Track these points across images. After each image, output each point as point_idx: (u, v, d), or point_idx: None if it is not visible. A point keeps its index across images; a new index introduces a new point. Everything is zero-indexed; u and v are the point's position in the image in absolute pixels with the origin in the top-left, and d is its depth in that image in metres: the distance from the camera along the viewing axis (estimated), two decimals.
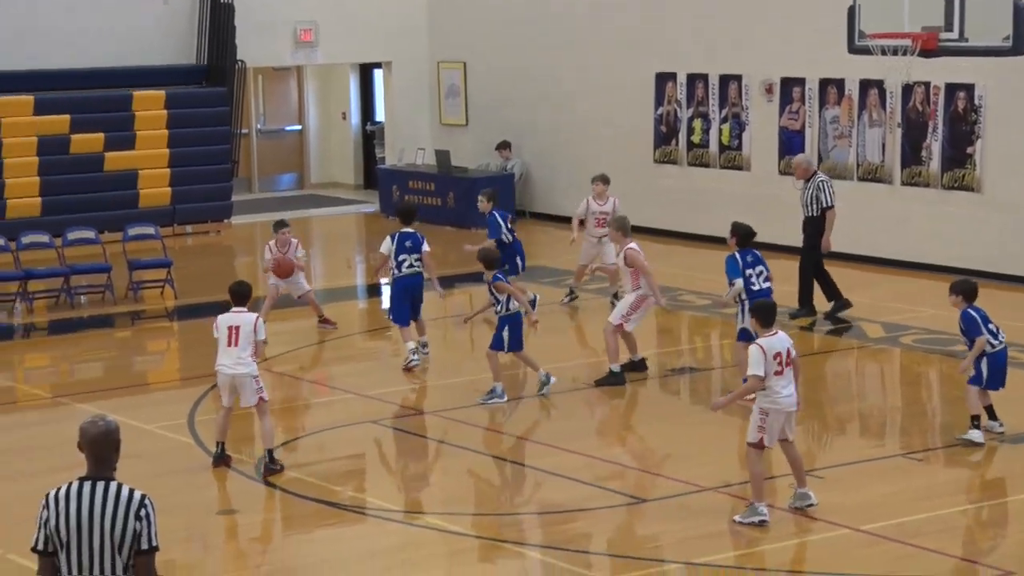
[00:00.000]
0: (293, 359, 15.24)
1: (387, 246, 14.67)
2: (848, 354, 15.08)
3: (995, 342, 11.71)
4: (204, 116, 22.96)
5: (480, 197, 16.71)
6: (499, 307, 13.22)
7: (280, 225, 15.86)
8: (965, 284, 11.95)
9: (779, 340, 10.08)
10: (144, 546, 6.22)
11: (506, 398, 13.14)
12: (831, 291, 16.23)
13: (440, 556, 9.98)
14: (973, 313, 11.75)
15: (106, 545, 6.18)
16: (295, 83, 27.73)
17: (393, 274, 14.70)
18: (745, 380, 12.60)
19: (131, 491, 6.26)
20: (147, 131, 22.45)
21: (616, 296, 16.68)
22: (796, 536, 9.99)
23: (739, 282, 12.90)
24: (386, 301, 17.23)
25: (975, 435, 11.67)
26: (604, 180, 17.10)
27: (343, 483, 11.33)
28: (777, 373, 9.95)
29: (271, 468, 11.32)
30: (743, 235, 13.09)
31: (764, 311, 10.27)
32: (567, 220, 22.65)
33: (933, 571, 9.41)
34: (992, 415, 11.91)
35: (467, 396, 13.66)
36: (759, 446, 10.05)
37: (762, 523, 9.95)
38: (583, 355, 15.28)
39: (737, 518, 10.05)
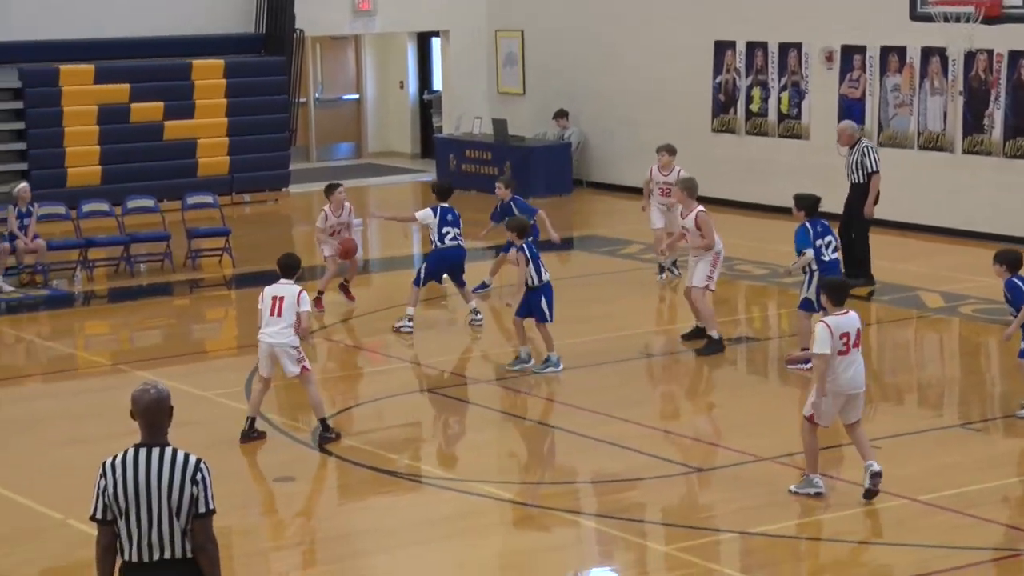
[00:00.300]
0: (349, 328, 15.30)
1: (427, 217, 14.79)
2: (907, 324, 14.95)
3: None
4: (262, 85, 23.05)
5: (498, 184, 16.05)
6: (530, 279, 13.16)
7: (333, 187, 15.60)
8: (1009, 254, 11.80)
9: (849, 320, 9.85)
10: (201, 510, 6.28)
11: (561, 367, 13.13)
12: (850, 259, 16.25)
13: (495, 524, 10.01)
14: (1018, 282, 11.62)
15: (164, 510, 6.24)
16: (353, 52, 27.75)
17: (435, 246, 14.73)
18: (804, 348, 12.64)
19: (186, 456, 6.32)
20: (206, 100, 22.56)
21: (675, 265, 16.60)
22: (853, 506, 9.92)
23: (809, 252, 12.81)
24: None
25: None
26: (670, 151, 16.84)
27: (399, 451, 11.38)
28: (841, 353, 9.72)
29: (326, 437, 11.38)
30: (810, 205, 12.99)
31: (836, 289, 10.04)
32: (624, 189, 22.65)
33: (991, 542, 9.34)
34: None
35: None
36: (811, 421, 9.91)
37: (817, 494, 9.89)
38: (645, 324, 15.23)
39: (792, 488, 10.00)
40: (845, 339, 9.74)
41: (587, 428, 11.69)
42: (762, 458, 10.87)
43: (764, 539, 9.35)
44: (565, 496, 10.34)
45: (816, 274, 12.71)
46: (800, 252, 12.88)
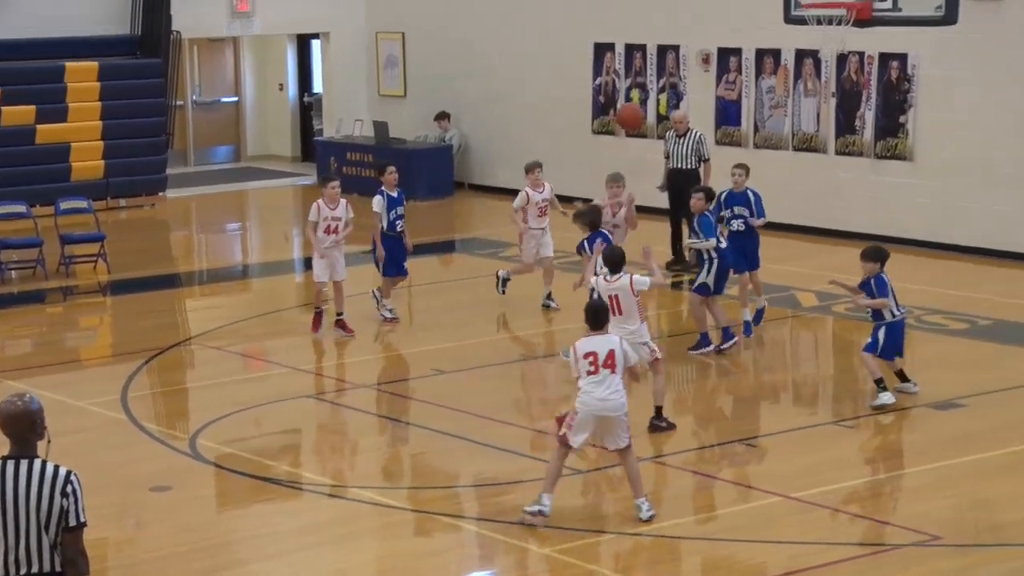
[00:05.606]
0: (229, 333, 15.14)
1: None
2: (782, 323, 15.18)
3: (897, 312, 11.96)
4: (138, 88, 22.73)
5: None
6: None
7: (329, 179, 15.06)
8: (879, 250, 12.20)
9: (597, 341, 9.57)
10: (72, 523, 6.17)
11: None
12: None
13: (375, 530, 9.98)
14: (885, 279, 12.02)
15: (32, 523, 6.13)
16: (231, 54, 27.48)
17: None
18: (705, 335, 13.48)
19: (56, 468, 6.21)
20: (80, 103, 22.20)
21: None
22: (728, 504, 10.06)
23: (713, 240, 13.50)
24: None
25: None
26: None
27: (278, 458, 11.30)
28: (589, 373, 9.54)
29: None
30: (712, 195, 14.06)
31: (591, 312, 9.82)
32: (505, 192, 22.71)
33: (864, 537, 9.53)
34: (904, 378, 12.21)
35: (402, 370, 13.66)
36: (563, 442, 9.65)
37: (540, 513, 9.56)
38: (526, 327, 15.28)
39: (525, 508, 9.65)
40: (592, 358, 9.50)
41: (468, 431, 11.70)
42: (642, 458, 10.95)
43: (643, 539, 9.44)
44: (446, 500, 10.34)
45: (716, 261, 13.47)
46: (707, 238, 13.52)
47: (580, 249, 13.52)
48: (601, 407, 9.52)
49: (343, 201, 14.62)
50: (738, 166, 14.66)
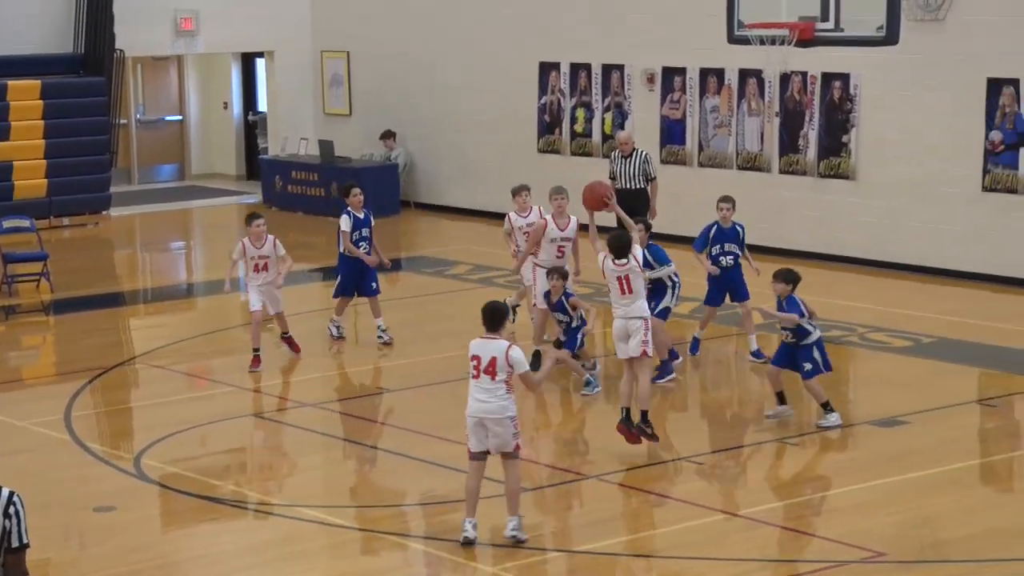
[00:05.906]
0: (173, 352, 15.06)
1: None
2: (727, 340, 15.27)
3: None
4: (81, 106, 22.59)
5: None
6: (574, 320, 13.30)
7: (253, 217, 14.48)
8: (790, 272, 12.26)
9: (484, 346, 9.49)
10: (14, 544, 6.10)
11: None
12: None
13: (321, 549, 9.93)
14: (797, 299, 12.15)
15: None
16: (175, 72, 27.37)
17: None
18: (666, 363, 13.34)
19: None
20: (22, 121, 22.03)
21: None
22: (674, 522, 10.10)
23: (672, 265, 13.49)
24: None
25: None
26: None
27: (223, 477, 11.23)
28: (473, 377, 9.48)
29: None
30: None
31: (486, 314, 9.63)
32: (452, 210, 22.74)
33: (808, 554, 9.58)
34: (782, 400, 12.23)
35: (348, 388, 13.61)
36: (469, 453, 9.61)
37: (467, 541, 9.48)
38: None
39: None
40: (476, 362, 9.48)
41: (415, 449, 11.69)
42: (587, 476, 10.99)
43: (589, 557, 9.46)
44: (392, 519, 10.32)
45: (679, 285, 13.46)
46: (664, 265, 13.36)
47: (564, 299, 13.44)
48: (480, 409, 9.46)
49: (270, 238, 14.20)
50: (724, 200, 14.29)
